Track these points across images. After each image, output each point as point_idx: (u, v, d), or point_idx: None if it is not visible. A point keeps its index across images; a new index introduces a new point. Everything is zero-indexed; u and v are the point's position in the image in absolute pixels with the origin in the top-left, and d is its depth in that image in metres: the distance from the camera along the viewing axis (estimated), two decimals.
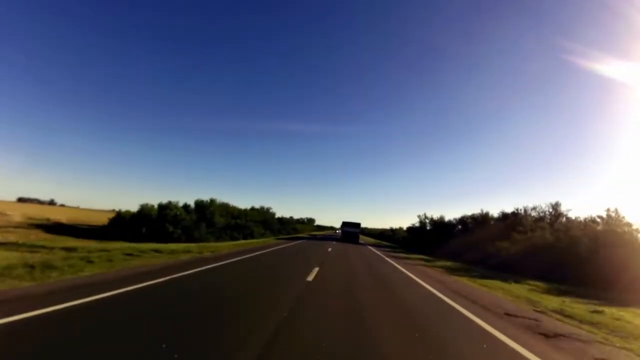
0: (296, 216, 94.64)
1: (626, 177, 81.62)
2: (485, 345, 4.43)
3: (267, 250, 17.96)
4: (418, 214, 48.30)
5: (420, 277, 11.92)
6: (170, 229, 25.14)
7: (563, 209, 27.11)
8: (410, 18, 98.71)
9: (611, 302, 9.86)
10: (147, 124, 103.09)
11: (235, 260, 12.06)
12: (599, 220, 20.53)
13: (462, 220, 36.88)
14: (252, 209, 44.66)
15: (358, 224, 43.37)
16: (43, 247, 12.20)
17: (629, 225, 17.71)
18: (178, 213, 26.69)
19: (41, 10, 69.81)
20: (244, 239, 31.85)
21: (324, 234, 71.58)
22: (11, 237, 17.89)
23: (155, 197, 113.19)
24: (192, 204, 30.52)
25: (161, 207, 26.94)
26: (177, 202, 28.38)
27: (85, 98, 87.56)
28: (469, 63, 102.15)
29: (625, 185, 76.67)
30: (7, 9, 53.78)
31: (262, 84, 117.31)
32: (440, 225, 39.39)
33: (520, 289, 11.41)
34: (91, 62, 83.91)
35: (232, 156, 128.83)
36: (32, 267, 6.87)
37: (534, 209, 28.44)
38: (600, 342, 5.10)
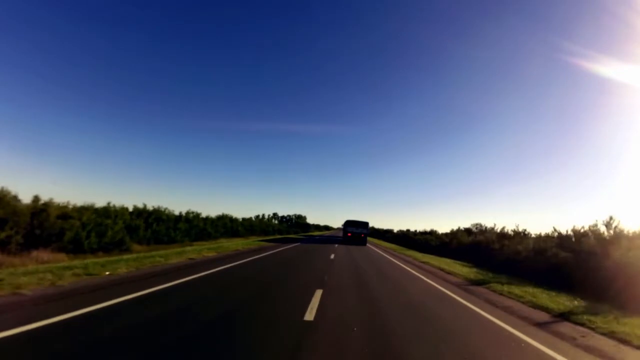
0: (281, 213, 79.93)
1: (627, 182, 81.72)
2: None
3: None
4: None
5: None
6: None
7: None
8: (408, 18, 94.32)
9: None
10: (138, 121, 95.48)
11: None
12: None
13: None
14: None
15: (365, 224, 36.38)
16: None
17: None
18: None
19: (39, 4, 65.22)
20: None
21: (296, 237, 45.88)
22: None
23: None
24: None
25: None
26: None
27: (79, 95, 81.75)
28: (467, 64, 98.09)
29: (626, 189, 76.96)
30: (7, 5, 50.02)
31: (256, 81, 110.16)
32: None
33: None
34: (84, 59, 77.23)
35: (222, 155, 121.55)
36: None
37: None
38: None
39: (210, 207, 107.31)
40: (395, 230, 74.34)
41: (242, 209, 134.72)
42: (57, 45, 71.63)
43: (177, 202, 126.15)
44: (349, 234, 35.07)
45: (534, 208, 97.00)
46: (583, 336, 5.95)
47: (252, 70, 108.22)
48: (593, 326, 6.56)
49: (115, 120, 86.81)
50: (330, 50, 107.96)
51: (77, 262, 10.06)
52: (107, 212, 17.12)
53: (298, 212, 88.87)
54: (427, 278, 12.81)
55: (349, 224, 36.24)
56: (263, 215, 63.63)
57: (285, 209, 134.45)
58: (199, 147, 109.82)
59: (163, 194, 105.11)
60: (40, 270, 7.61)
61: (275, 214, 68.64)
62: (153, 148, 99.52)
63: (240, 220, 41.46)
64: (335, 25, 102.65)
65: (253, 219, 47.18)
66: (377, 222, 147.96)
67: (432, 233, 45.23)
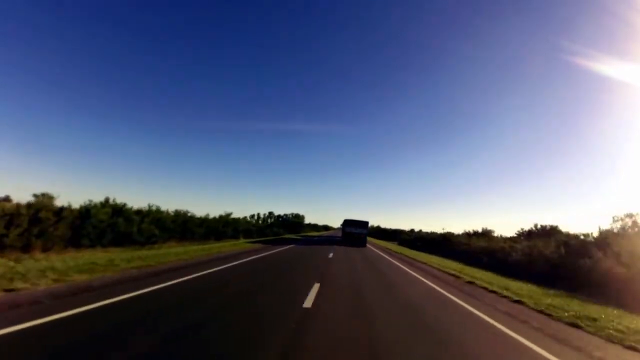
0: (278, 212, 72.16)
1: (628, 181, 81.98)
2: None
3: None
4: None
5: None
6: None
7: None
8: (408, 18, 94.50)
9: None
10: (137, 121, 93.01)
11: None
12: None
13: None
14: None
15: (365, 223, 35.19)
16: None
17: None
18: None
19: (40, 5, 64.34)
20: None
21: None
22: None
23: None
24: None
25: None
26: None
27: (79, 95, 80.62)
28: (467, 63, 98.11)
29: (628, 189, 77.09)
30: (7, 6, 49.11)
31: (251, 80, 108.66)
32: None
33: None
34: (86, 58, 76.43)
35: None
36: None
37: None
38: None
39: (209, 208, 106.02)
40: (400, 229, 65.44)
41: (242, 208, 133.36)
42: (57, 45, 71.73)
43: (175, 203, 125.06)
44: (348, 234, 34.11)
45: (534, 208, 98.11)
46: None
47: (253, 70, 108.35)
48: None
49: (114, 120, 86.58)
50: (331, 50, 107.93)
51: None
52: None
53: (297, 212, 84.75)
54: None
55: (347, 223, 34.82)
56: (258, 214, 60.00)
57: (285, 209, 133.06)
58: (198, 147, 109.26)
59: (162, 194, 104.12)
60: None
61: (271, 213, 65.10)
62: (152, 148, 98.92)
63: (170, 213, 23.74)
64: (336, 25, 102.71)
65: (188, 213, 27.19)
66: (380, 221, 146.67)
67: (487, 234, 32.28)
